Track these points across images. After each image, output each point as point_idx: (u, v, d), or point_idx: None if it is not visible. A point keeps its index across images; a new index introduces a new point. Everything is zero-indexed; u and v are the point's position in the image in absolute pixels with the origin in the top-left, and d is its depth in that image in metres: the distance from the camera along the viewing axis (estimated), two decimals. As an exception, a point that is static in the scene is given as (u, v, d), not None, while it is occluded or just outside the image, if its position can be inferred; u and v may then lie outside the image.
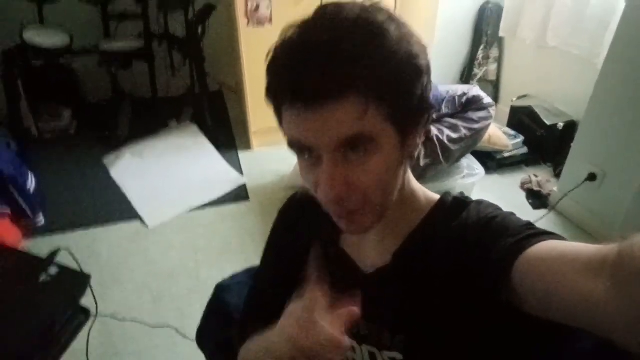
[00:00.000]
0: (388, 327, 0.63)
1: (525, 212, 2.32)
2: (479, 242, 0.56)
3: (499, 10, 2.95)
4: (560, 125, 2.53)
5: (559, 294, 0.44)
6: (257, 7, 2.48)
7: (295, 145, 0.55)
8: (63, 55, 2.86)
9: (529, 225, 0.56)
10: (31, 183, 2.15)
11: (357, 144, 0.52)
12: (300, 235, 0.76)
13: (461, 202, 0.64)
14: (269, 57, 0.54)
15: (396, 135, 0.54)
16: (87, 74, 3.19)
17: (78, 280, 1.50)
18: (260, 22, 2.51)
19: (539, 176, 2.52)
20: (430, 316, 0.60)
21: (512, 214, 0.60)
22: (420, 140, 0.59)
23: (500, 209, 0.61)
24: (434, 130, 2.17)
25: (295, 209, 0.80)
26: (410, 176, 0.65)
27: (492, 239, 0.55)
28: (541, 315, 0.48)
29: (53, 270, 1.40)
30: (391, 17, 0.53)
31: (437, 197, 0.67)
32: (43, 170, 2.49)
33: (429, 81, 0.56)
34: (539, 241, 0.50)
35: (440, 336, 0.59)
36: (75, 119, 3.08)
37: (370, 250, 0.67)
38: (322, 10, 0.53)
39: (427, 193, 0.68)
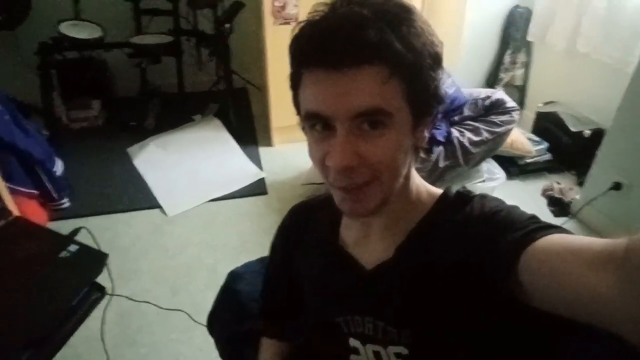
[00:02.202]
0: (393, 323, 0.63)
1: (545, 219, 2.27)
2: (483, 235, 0.56)
3: (528, 15, 2.90)
4: (587, 132, 2.47)
5: (565, 287, 0.44)
6: (284, 6, 2.51)
7: (310, 116, 0.55)
8: (96, 49, 2.96)
9: (534, 218, 0.55)
10: (58, 168, 2.24)
11: (373, 116, 0.52)
12: (300, 236, 0.78)
13: (464, 196, 0.63)
14: (296, 29, 0.55)
15: (410, 116, 0.55)
16: (118, 68, 3.29)
17: (95, 258, 1.55)
18: (286, 21, 2.55)
19: (562, 183, 2.47)
20: (435, 310, 0.59)
21: (516, 207, 0.59)
22: (427, 134, 0.60)
23: (504, 203, 0.61)
24: (454, 132, 2.15)
25: (296, 214, 0.82)
26: (414, 172, 0.65)
27: (497, 232, 0.54)
28: (547, 308, 0.48)
29: (73, 247, 1.46)
30: (415, 7, 0.55)
31: (439, 191, 0.67)
32: (71, 157, 2.58)
33: (442, 76, 0.58)
34: (545, 234, 0.49)
35: (446, 330, 0.59)
36: (105, 111, 3.18)
37: (373, 247, 0.66)
38: None
39: (430, 188, 0.67)
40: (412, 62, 0.52)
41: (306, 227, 0.78)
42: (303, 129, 0.60)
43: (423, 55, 0.53)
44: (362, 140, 0.54)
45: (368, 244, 0.67)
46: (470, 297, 0.56)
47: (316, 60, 0.52)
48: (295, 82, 0.58)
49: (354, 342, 0.68)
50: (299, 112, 0.59)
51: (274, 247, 0.85)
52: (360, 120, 0.53)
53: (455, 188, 0.67)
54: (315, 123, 0.56)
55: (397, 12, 0.53)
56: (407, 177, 0.62)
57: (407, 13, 0.53)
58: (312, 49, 0.53)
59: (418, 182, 0.66)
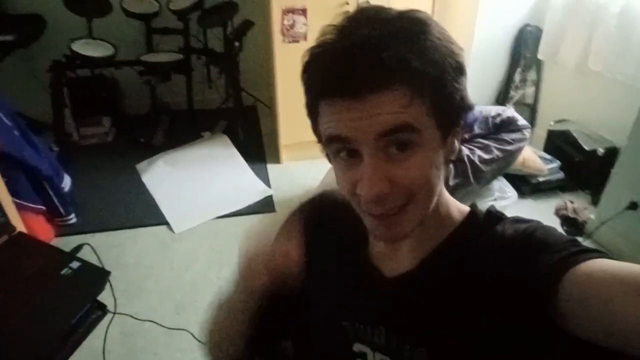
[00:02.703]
0: (409, 339, 0.59)
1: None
2: (518, 255, 0.53)
3: (538, 33, 2.89)
4: (601, 151, 2.42)
5: (608, 316, 0.42)
6: (293, 24, 2.53)
7: (334, 141, 0.53)
8: (107, 66, 3.00)
9: (574, 241, 0.52)
10: (66, 184, 2.24)
11: (400, 136, 0.50)
12: (325, 234, 0.73)
13: (495, 215, 0.61)
14: (308, 56, 0.54)
15: (438, 131, 0.53)
16: (129, 86, 3.32)
17: (97, 275, 1.53)
18: (295, 39, 2.56)
19: (575, 203, 2.41)
20: (457, 331, 0.56)
21: (553, 228, 0.56)
22: (458, 144, 0.58)
23: (540, 223, 0.58)
24: (464, 150, 2.12)
25: (324, 206, 0.77)
26: (443, 187, 0.62)
27: (534, 254, 0.52)
28: (583, 335, 0.45)
29: (75, 264, 1.44)
30: (430, 17, 0.53)
31: (466, 208, 0.65)
32: (79, 173, 2.59)
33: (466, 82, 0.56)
34: (587, 258, 0.47)
35: (465, 353, 0.55)
36: (114, 127, 3.20)
37: (399, 261, 0.64)
38: (361, 10, 0.53)
39: (459, 204, 0.65)
40: (433, 78, 0.50)
41: (336, 222, 0.72)
42: (327, 156, 0.58)
43: (444, 67, 0.51)
44: (391, 163, 0.51)
45: (395, 257, 0.64)
46: (499, 320, 0.52)
47: (333, 90, 0.51)
48: (313, 111, 0.56)
49: (359, 347, 0.64)
50: (320, 140, 0.57)
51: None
52: (386, 143, 0.51)
53: (484, 206, 0.64)
54: (340, 149, 0.53)
55: (411, 28, 0.50)
56: (440, 193, 0.60)
57: (423, 26, 0.51)
58: (329, 79, 0.51)
59: (447, 196, 0.63)
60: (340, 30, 0.52)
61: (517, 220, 0.59)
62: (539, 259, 0.50)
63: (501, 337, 0.52)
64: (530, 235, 0.55)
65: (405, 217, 0.54)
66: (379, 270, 0.65)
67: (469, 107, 0.56)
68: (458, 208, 0.64)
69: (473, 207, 0.64)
